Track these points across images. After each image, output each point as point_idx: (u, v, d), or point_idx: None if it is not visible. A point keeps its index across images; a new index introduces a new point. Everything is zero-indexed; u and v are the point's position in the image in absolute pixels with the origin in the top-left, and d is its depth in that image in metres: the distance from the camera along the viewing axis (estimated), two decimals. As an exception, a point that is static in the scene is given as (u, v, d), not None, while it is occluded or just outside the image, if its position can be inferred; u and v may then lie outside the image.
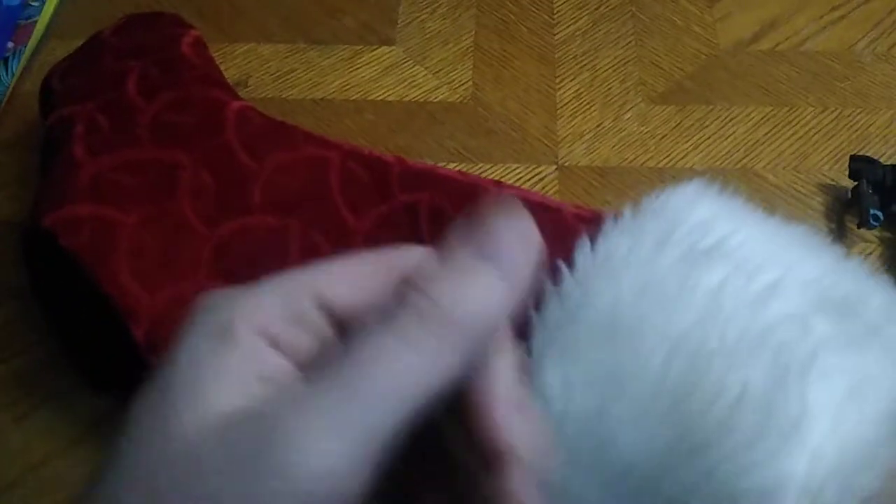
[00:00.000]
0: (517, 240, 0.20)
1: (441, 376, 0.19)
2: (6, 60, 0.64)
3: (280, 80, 0.64)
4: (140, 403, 0.20)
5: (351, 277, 0.22)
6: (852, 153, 0.57)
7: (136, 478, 0.19)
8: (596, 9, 0.70)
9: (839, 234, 0.55)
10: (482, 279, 0.20)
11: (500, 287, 0.20)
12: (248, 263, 0.44)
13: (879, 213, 0.52)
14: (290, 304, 0.21)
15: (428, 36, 0.67)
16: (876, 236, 0.55)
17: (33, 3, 0.67)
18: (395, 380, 0.18)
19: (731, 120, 0.61)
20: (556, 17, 0.69)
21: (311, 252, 0.44)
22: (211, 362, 0.19)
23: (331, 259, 0.22)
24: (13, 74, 0.64)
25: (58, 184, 0.46)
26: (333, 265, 0.22)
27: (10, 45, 0.65)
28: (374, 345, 0.19)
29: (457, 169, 0.58)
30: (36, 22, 0.66)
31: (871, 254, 0.54)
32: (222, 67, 0.59)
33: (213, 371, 0.19)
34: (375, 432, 0.18)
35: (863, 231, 0.54)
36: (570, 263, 0.34)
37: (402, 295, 0.19)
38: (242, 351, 0.20)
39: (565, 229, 0.40)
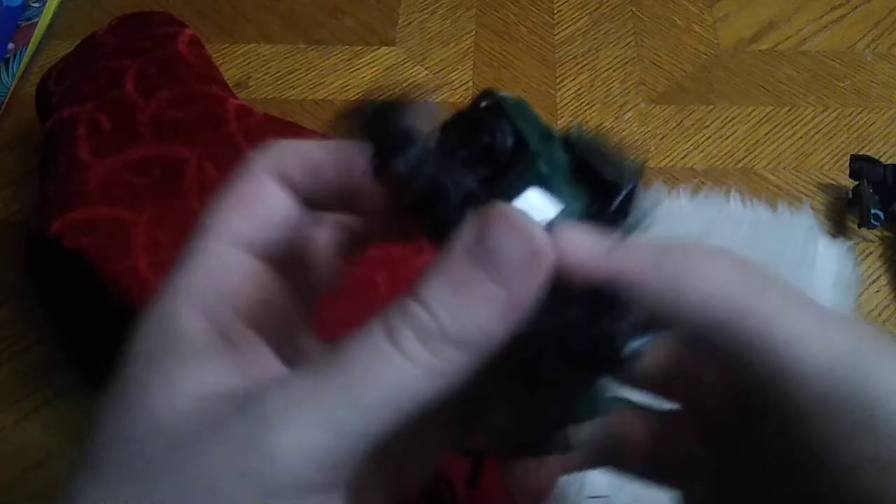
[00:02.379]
0: (522, 253, 0.19)
1: (435, 389, 0.19)
2: (7, 62, 0.64)
3: (280, 81, 0.64)
4: (107, 402, 0.20)
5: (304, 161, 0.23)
6: (852, 153, 0.57)
7: (116, 467, 0.19)
8: (596, 9, 0.70)
9: (839, 233, 0.55)
10: (483, 295, 0.19)
11: (501, 304, 0.19)
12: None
13: (880, 213, 0.52)
14: (214, 260, 0.21)
15: (428, 36, 0.68)
16: (877, 236, 0.55)
17: (34, 5, 0.67)
18: (389, 390, 0.18)
19: (731, 120, 0.61)
20: (556, 17, 0.69)
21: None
22: (161, 351, 0.20)
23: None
24: (14, 76, 0.64)
25: (65, 187, 0.46)
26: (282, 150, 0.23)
27: (11, 46, 0.65)
28: (372, 350, 0.19)
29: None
30: (36, 23, 0.66)
31: (871, 253, 0.54)
32: (222, 68, 0.59)
33: (168, 358, 0.20)
34: (363, 434, 0.18)
35: (863, 230, 0.54)
36: None
37: (402, 302, 0.19)
38: (189, 333, 0.20)
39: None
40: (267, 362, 0.21)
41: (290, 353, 0.22)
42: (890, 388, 0.19)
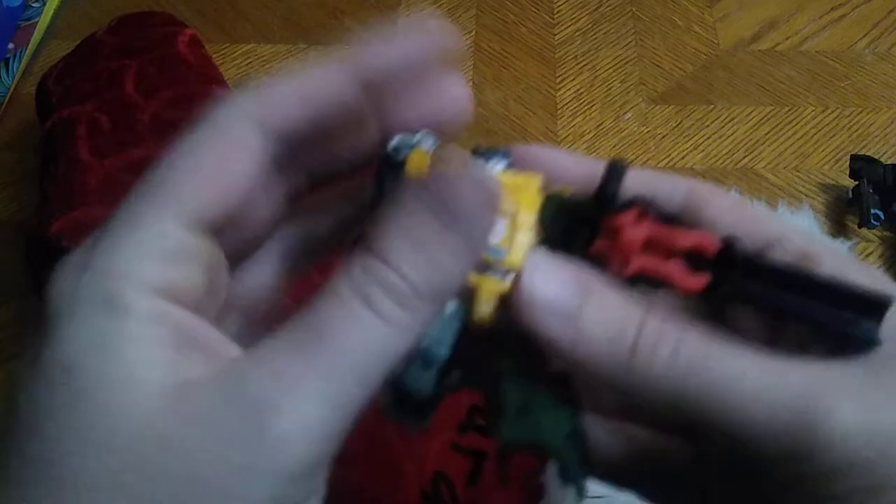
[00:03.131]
0: (477, 200, 0.20)
1: (408, 344, 0.19)
2: (7, 62, 0.64)
3: (280, 81, 0.64)
4: (41, 396, 0.18)
5: (291, 95, 0.21)
6: (853, 153, 0.57)
7: (79, 476, 0.17)
8: (596, 9, 0.70)
9: (840, 233, 0.55)
10: (444, 246, 0.19)
11: (462, 251, 0.20)
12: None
13: (880, 213, 0.52)
14: (163, 242, 0.19)
15: (428, 36, 0.67)
16: (877, 235, 0.55)
17: (34, 5, 0.67)
18: (376, 354, 0.19)
19: (731, 120, 0.61)
20: (556, 17, 0.69)
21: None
22: (116, 340, 0.18)
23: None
24: (14, 76, 0.64)
25: (65, 187, 0.46)
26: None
27: (11, 46, 0.65)
28: (352, 318, 0.19)
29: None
30: (36, 23, 0.66)
31: (871, 253, 0.54)
32: (222, 68, 0.59)
33: (125, 349, 0.18)
34: (356, 400, 0.18)
35: (863, 230, 0.54)
36: None
37: (369, 264, 0.19)
38: (143, 320, 0.18)
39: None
40: (217, 343, 0.20)
41: (229, 329, 0.22)
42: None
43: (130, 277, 0.19)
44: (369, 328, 0.18)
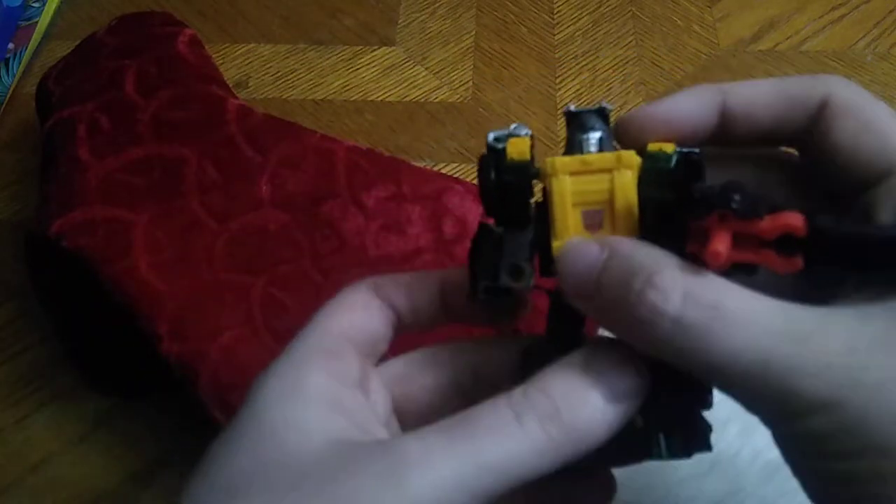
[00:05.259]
0: (630, 384, 0.24)
1: (541, 468, 0.23)
2: (6, 62, 0.64)
3: (280, 81, 0.64)
4: (240, 430, 0.24)
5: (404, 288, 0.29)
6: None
7: (258, 488, 0.22)
8: (596, 9, 0.70)
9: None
10: (597, 400, 0.23)
11: (611, 410, 0.23)
12: (262, 256, 0.44)
13: None
14: (329, 343, 0.27)
15: (428, 36, 0.68)
16: None
17: (34, 5, 0.67)
18: (506, 458, 0.22)
19: (731, 120, 0.61)
20: (556, 17, 0.69)
21: (321, 247, 0.44)
22: (297, 399, 0.24)
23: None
24: (14, 76, 0.64)
25: (65, 187, 0.46)
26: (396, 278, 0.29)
27: (11, 46, 0.65)
28: (498, 421, 0.23)
29: (458, 169, 0.58)
30: (36, 23, 0.66)
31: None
32: (222, 68, 0.59)
33: (302, 405, 0.24)
34: (477, 492, 0.22)
35: None
36: None
37: (527, 390, 0.23)
38: (318, 387, 0.25)
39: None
40: (370, 421, 0.25)
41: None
42: None
43: (308, 352, 0.26)
44: (512, 437, 0.22)
